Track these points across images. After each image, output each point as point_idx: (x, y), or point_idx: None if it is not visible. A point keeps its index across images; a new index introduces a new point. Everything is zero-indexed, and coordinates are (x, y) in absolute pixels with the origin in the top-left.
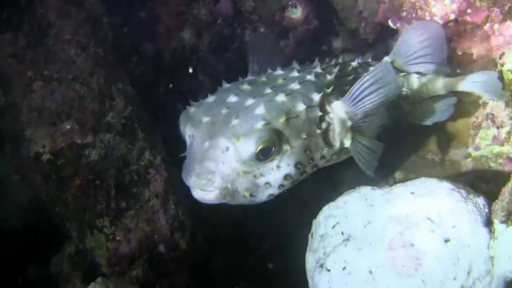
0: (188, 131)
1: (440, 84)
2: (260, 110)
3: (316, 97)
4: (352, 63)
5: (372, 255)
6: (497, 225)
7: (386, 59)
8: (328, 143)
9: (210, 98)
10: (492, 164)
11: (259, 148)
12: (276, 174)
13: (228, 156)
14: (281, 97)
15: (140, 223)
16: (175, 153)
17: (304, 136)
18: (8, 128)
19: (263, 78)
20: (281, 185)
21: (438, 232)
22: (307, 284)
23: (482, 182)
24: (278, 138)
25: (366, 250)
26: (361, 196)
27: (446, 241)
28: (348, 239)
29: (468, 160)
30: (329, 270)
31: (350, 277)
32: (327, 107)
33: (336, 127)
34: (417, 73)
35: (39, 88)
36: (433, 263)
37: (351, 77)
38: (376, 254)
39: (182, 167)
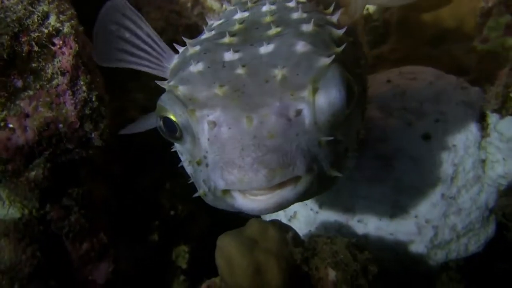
0: (199, 117)
1: None
2: (303, 46)
3: (335, 18)
4: None
5: None
6: (490, 116)
7: None
8: None
9: (195, 66)
10: (502, 61)
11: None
12: (352, 131)
13: (301, 122)
14: (308, 27)
15: (41, 107)
16: None
17: (358, 70)
18: None
19: (239, 25)
20: (355, 150)
21: (415, 125)
22: None
23: (487, 83)
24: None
25: None
26: None
27: (426, 137)
28: None
29: (472, 55)
30: None
31: None
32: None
33: None
34: None
35: None
36: (408, 165)
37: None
38: None
39: (211, 172)
